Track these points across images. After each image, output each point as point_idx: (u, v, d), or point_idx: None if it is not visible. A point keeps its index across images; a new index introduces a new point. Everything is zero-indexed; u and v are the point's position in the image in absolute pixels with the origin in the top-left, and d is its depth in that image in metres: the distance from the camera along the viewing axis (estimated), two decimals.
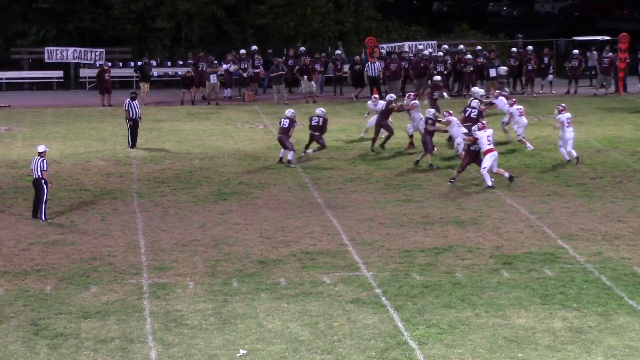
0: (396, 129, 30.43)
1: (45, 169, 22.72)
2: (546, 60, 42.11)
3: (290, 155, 28.16)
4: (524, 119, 30.16)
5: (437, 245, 20.71)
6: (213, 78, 39.72)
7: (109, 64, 41.93)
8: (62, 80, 44.72)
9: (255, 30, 47.27)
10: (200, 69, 39.91)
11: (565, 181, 26.21)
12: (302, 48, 43.16)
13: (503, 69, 37.20)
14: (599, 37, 47.28)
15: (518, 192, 25.08)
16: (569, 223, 22.31)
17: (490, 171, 25.28)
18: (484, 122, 26.58)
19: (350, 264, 19.56)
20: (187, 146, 31.19)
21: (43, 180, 22.66)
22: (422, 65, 40.64)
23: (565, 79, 42.54)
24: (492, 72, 40.15)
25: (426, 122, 27.97)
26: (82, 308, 17.19)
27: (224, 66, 40.66)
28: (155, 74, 43.50)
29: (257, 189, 25.68)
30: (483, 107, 29.72)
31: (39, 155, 22.89)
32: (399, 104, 30.92)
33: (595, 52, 42.98)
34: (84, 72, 44.27)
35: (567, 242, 20.84)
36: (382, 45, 43.80)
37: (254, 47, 42.65)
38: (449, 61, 41.69)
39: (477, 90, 32.31)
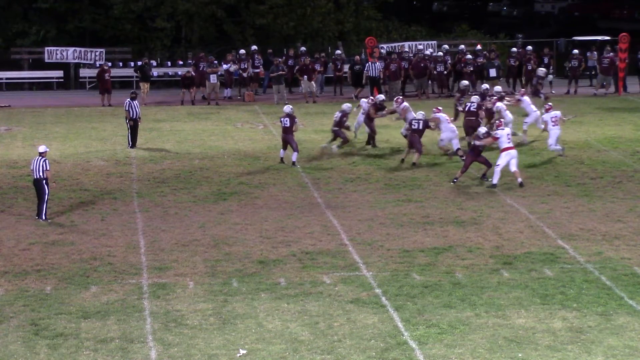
0: (394, 129, 30.42)
1: (47, 168, 22.73)
2: (546, 60, 42.12)
3: (294, 157, 28.13)
4: (509, 115, 30.43)
5: (437, 245, 20.71)
6: (213, 78, 39.73)
7: (109, 64, 41.95)
8: (62, 80, 44.73)
9: (255, 30, 47.27)
10: (201, 69, 39.91)
11: (565, 181, 26.21)
12: (302, 48, 43.17)
13: (542, 71, 37.10)
14: (599, 37, 47.28)
15: (518, 192, 25.08)
16: (569, 223, 22.31)
17: (507, 169, 25.36)
18: (502, 120, 26.73)
19: (350, 264, 19.56)
20: (187, 146, 31.19)
21: (44, 181, 22.66)
22: (422, 65, 40.64)
23: (565, 79, 42.56)
24: (492, 72, 40.21)
25: (410, 124, 28.52)
26: (82, 308, 17.19)
27: (224, 66, 40.66)
28: (155, 74, 43.50)
29: (257, 189, 25.68)
30: (510, 101, 30.56)
31: (39, 156, 22.88)
32: (387, 109, 30.86)
33: (595, 52, 42.99)
34: (84, 72, 44.28)
35: (567, 242, 20.84)
36: (382, 45, 43.79)
37: (254, 47, 42.66)
38: (449, 61, 41.70)
39: (498, 88, 32.57)
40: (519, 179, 25.54)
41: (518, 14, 70.87)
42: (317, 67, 41.07)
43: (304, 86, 40.43)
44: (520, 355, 15.23)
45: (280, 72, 39.66)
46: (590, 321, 16.48)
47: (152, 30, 46.46)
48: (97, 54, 43.94)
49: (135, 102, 30.94)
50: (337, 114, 29.91)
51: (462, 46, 42.93)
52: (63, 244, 20.94)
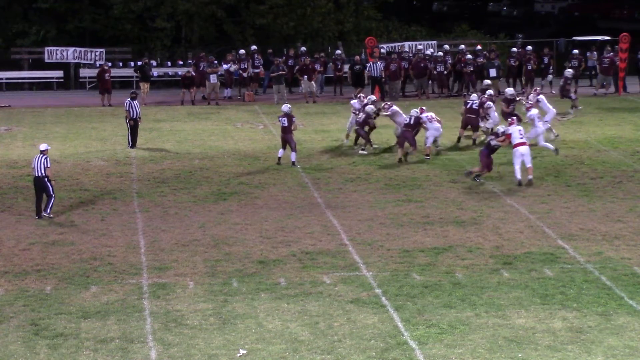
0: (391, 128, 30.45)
1: (48, 166, 22.82)
2: (546, 60, 42.13)
3: (293, 157, 28.14)
4: (496, 114, 30.79)
5: (437, 245, 20.71)
6: (213, 78, 39.73)
7: (109, 64, 41.97)
8: (62, 80, 44.73)
9: (255, 30, 47.27)
10: (201, 69, 39.92)
11: (565, 181, 26.21)
12: (302, 48, 43.16)
13: (569, 72, 37.10)
14: (599, 37, 47.26)
15: (518, 192, 25.08)
16: (569, 223, 22.31)
17: (524, 166, 25.58)
18: (514, 118, 26.79)
19: (350, 264, 19.56)
20: (187, 146, 31.19)
21: (46, 178, 22.73)
22: (422, 65, 40.64)
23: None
24: (492, 72, 40.20)
25: (402, 124, 28.90)
26: (82, 308, 17.19)
27: (224, 66, 40.66)
28: (155, 74, 43.50)
29: (257, 189, 25.68)
30: (530, 103, 30.68)
31: (41, 154, 22.95)
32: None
33: (595, 52, 42.98)
34: (84, 72, 44.29)
35: (567, 242, 20.84)
36: (382, 45, 43.79)
37: (254, 47, 42.66)
38: (449, 61, 41.69)
39: (509, 90, 32.77)
40: (530, 176, 25.57)
41: (518, 14, 70.84)
42: (317, 67, 41.07)
43: (304, 86, 40.43)
44: (520, 355, 15.23)
45: (281, 72, 39.65)
46: (590, 321, 16.48)
47: (152, 30, 46.46)
48: (97, 54, 43.95)
49: (136, 102, 30.95)
50: (361, 115, 29.84)
51: (462, 46, 42.93)
52: (63, 244, 20.95)
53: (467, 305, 17.20)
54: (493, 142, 25.82)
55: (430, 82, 41.39)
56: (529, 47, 41.91)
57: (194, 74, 39.66)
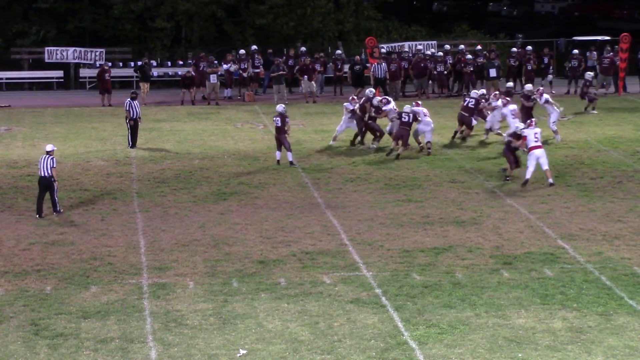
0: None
1: (54, 166, 23.04)
2: (546, 60, 42.10)
3: (289, 156, 28.15)
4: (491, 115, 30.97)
5: (437, 245, 20.71)
6: (213, 78, 39.72)
7: (109, 64, 41.96)
8: (62, 80, 44.71)
9: (255, 30, 47.26)
10: (201, 69, 39.91)
11: (565, 181, 26.21)
12: (302, 48, 43.15)
13: (590, 74, 37.10)
14: (599, 37, 47.25)
15: (518, 192, 25.08)
16: (569, 223, 22.31)
17: (539, 167, 25.64)
18: (533, 120, 26.86)
19: (350, 264, 19.56)
20: (187, 146, 31.19)
21: (52, 178, 22.86)
22: (422, 65, 40.62)
23: (565, 79, 42.52)
24: (492, 72, 40.20)
25: (400, 116, 29.16)
26: (82, 308, 17.19)
27: (224, 66, 40.65)
28: (155, 74, 43.49)
29: (257, 189, 25.68)
30: (530, 103, 31.22)
31: (47, 154, 23.10)
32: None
33: (595, 52, 42.97)
34: (84, 72, 44.27)
35: (567, 242, 20.84)
36: (382, 45, 43.77)
37: (254, 47, 42.65)
38: (449, 61, 41.68)
39: (528, 85, 33.05)
40: (550, 179, 25.52)
41: (518, 14, 70.83)
42: (317, 67, 41.06)
43: (304, 86, 40.42)
44: (520, 355, 15.23)
45: (281, 72, 39.64)
46: (590, 321, 16.48)
47: (152, 30, 46.45)
48: (97, 54, 43.94)
49: (136, 102, 30.95)
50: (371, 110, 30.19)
51: (462, 46, 42.92)
52: (63, 244, 20.95)
53: (467, 305, 17.20)
54: (512, 144, 25.90)
55: (430, 82, 41.37)
56: (529, 47, 41.89)
57: (194, 74, 39.65)
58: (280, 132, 28.24)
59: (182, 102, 39.59)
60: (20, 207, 23.91)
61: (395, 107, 30.45)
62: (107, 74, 39.45)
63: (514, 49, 42.79)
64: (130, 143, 30.85)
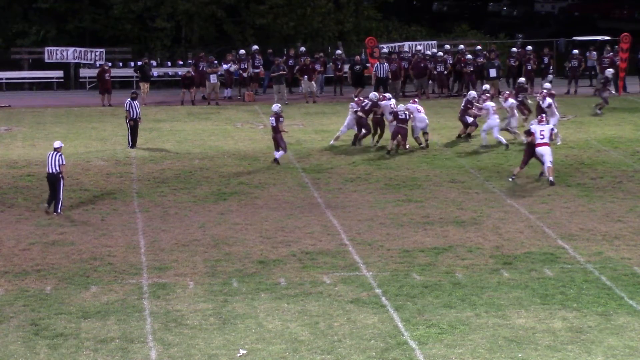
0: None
1: (63, 163, 23.18)
2: (546, 60, 42.13)
3: (278, 155, 28.21)
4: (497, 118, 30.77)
5: (437, 245, 20.71)
6: (213, 78, 39.72)
7: (109, 64, 41.95)
8: (62, 80, 44.71)
9: (255, 30, 47.26)
10: (201, 69, 39.91)
11: (565, 181, 26.21)
12: (302, 48, 43.15)
13: (610, 72, 37.10)
14: (599, 37, 47.26)
15: (518, 192, 25.09)
16: (569, 223, 22.31)
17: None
18: (544, 115, 26.99)
19: (350, 264, 19.56)
20: (187, 146, 31.19)
21: (60, 175, 22.98)
22: (422, 65, 40.63)
23: (565, 79, 42.53)
24: (492, 72, 40.22)
25: (397, 115, 29.39)
26: (82, 308, 17.19)
27: (224, 66, 40.65)
28: (155, 74, 43.49)
29: (257, 189, 25.68)
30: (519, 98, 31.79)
31: (55, 151, 23.21)
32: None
33: (594, 52, 42.97)
34: (84, 72, 44.27)
35: (567, 242, 20.84)
36: (382, 45, 43.77)
37: (254, 47, 42.64)
38: (449, 61, 41.68)
39: (547, 85, 33.32)
40: (550, 177, 25.57)
41: (518, 14, 70.84)
42: (317, 67, 41.05)
43: (304, 86, 40.42)
44: (520, 355, 15.23)
45: (281, 72, 39.63)
46: (590, 321, 16.48)
47: (152, 30, 46.45)
48: (97, 54, 43.94)
49: (136, 102, 30.95)
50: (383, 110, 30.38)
51: (462, 46, 42.92)
52: (63, 244, 20.95)
53: (467, 305, 17.20)
54: (525, 141, 26.29)
55: (430, 82, 41.38)
56: (529, 47, 41.91)
57: (194, 74, 39.65)
58: (276, 132, 28.30)
59: (182, 102, 39.59)
60: (20, 207, 23.91)
61: (393, 105, 30.43)
62: (107, 74, 39.45)
63: (514, 49, 42.82)
64: (130, 143, 30.85)
